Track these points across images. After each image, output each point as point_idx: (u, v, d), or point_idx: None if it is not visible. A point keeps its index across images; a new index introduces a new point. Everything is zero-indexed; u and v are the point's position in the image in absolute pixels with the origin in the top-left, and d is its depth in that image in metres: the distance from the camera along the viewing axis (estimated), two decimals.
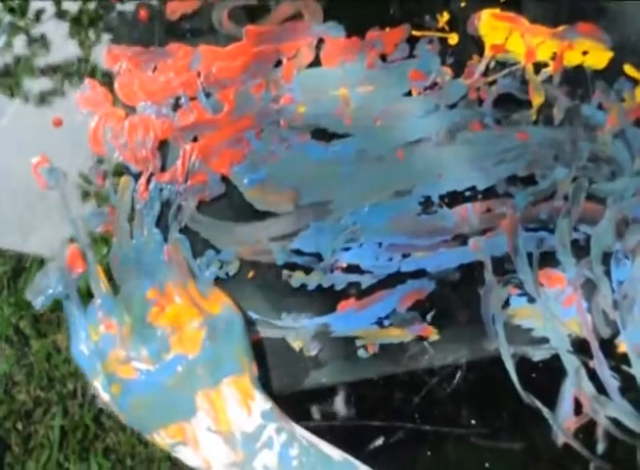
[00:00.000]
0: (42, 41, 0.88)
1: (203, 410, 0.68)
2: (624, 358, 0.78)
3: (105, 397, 0.71)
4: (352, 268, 0.79)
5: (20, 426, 0.87)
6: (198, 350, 0.69)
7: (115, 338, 0.71)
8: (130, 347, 0.70)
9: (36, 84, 0.87)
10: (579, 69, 0.82)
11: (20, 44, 0.88)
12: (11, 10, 0.91)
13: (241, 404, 0.69)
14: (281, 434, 0.69)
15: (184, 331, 0.70)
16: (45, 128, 0.83)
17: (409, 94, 0.82)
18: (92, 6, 0.88)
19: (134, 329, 0.71)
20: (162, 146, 0.81)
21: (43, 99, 0.87)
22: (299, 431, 0.70)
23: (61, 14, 0.89)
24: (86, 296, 0.78)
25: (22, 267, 0.87)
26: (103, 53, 0.82)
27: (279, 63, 0.82)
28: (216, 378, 0.69)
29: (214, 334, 0.70)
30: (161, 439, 0.69)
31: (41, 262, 0.87)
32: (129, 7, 0.84)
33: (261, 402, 0.70)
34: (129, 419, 0.71)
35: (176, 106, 0.81)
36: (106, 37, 0.86)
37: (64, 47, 0.88)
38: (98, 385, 0.72)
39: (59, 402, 0.86)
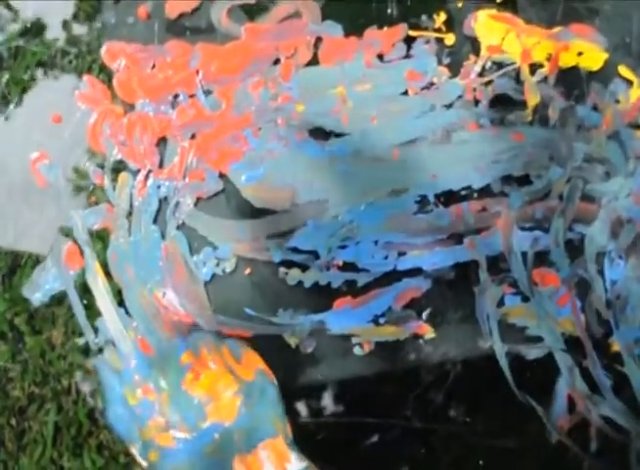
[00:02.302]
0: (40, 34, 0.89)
1: None
2: (617, 357, 0.79)
3: (142, 462, 0.71)
4: (349, 266, 0.80)
5: (13, 422, 0.87)
6: (234, 417, 0.69)
7: (154, 405, 0.71)
8: (169, 414, 0.70)
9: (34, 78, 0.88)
10: (574, 70, 0.83)
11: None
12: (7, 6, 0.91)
13: (277, 467, 0.68)
14: None
15: (220, 400, 0.70)
16: (42, 125, 0.83)
17: (406, 94, 0.82)
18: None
19: (171, 397, 0.71)
20: (161, 143, 0.81)
21: (41, 95, 0.87)
22: None
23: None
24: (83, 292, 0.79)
25: (17, 263, 0.87)
26: (101, 49, 0.83)
27: (277, 61, 0.82)
28: (252, 443, 0.69)
29: (250, 401, 0.70)
30: None
31: (37, 258, 0.87)
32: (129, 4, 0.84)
33: (297, 463, 0.69)
34: None
35: (175, 103, 0.81)
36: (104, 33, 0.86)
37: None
38: (135, 451, 0.71)
39: (53, 399, 0.86)
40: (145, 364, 0.74)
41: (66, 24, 0.89)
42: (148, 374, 0.72)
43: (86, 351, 0.83)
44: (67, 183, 0.82)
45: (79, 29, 0.89)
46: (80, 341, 0.81)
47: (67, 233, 0.80)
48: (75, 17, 0.88)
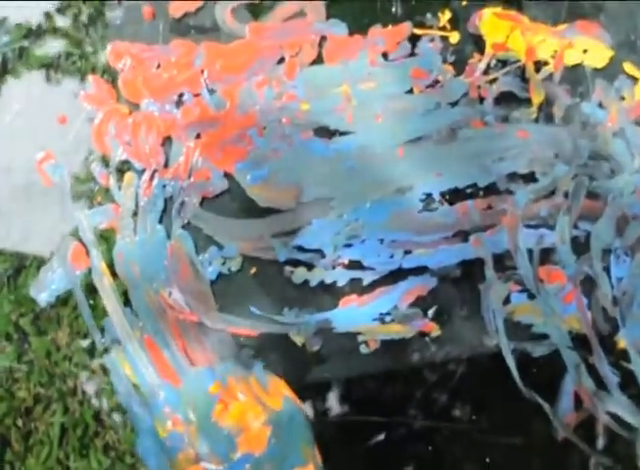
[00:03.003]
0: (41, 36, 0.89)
1: None
2: (624, 354, 0.79)
3: None
4: (354, 265, 0.80)
5: (20, 423, 0.87)
6: (264, 447, 0.70)
7: (184, 437, 0.71)
8: (199, 446, 0.70)
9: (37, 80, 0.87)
10: (579, 67, 0.83)
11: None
12: None
13: None
14: None
15: (249, 430, 0.70)
16: (46, 126, 0.83)
17: (410, 92, 0.83)
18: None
19: (201, 429, 0.71)
20: (166, 143, 0.81)
21: (45, 96, 0.87)
22: None
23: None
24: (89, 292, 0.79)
25: (22, 265, 0.86)
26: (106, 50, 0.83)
27: (282, 60, 0.82)
28: None
29: (279, 431, 0.70)
30: None
31: (42, 260, 0.87)
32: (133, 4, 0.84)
33: None
34: None
35: (180, 102, 0.81)
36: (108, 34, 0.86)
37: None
38: None
39: (59, 400, 0.86)
40: (173, 396, 0.74)
41: (47, 16, 0.88)
42: (177, 405, 0.73)
43: (91, 351, 0.83)
44: (71, 184, 0.82)
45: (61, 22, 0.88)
46: (84, 343, 0.81)
47: (72, 233, 0.81)
48: (77, 18, 0.88)
